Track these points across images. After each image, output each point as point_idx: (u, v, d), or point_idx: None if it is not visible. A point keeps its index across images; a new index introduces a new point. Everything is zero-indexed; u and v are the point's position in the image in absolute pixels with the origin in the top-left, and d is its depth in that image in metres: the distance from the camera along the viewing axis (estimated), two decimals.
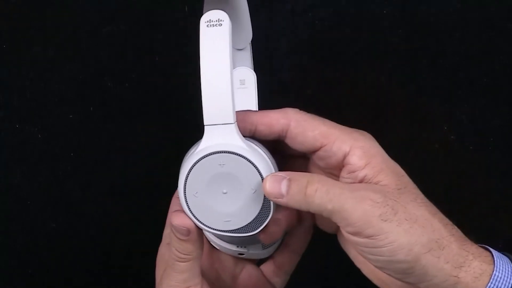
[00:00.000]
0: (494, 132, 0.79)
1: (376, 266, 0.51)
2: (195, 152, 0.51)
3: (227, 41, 0.48)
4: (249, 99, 0.62)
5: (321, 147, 0.53)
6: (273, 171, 0.52)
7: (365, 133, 0.54)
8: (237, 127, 0.50)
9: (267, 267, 0.60)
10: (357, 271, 0.58)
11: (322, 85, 0.78)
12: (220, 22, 0.49)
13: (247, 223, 0.52)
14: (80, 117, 0.78)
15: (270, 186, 0.50)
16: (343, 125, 0.55)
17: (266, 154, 0.53)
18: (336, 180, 0.52)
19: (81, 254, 0.81)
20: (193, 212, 0.52)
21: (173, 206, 0.57)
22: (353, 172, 0.52)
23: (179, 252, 0.53)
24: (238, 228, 0.52)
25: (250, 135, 0.53)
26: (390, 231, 0.48)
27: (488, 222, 0.79)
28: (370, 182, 0.51)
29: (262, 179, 0.50)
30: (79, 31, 0.77)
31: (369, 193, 0.49)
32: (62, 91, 0.78)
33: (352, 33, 0.77)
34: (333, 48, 0.77)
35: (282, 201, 0.50)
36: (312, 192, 0.49)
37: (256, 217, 0.51)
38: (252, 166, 0.50)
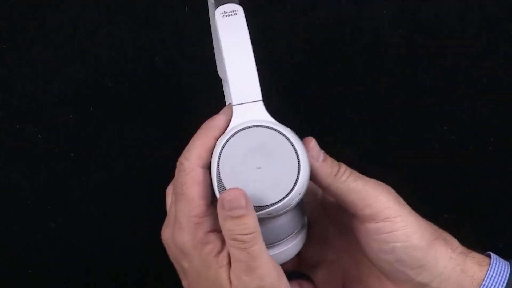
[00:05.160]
0: (494, 132, 0.79)
1: (391, 263, 0.52)
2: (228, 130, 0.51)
3: (244, 26, 0.52)
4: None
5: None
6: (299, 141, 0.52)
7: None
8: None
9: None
10: None
11: (322, 85, 0.78)
12: (235, 12, 0.53)
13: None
14: (80, 117, 0.78)
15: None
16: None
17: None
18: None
19: (81, 254, 0.81)
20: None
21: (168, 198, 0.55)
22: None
23: (242, 235, 0.48)
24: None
25: None
26: (404, 214, 0.51)
27: (488, 222, 0.79)
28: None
29: (291, 143, 0.50)
30: (79, 31, 0.77)
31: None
32: (62, 91, 0.78)
33: (352, 33, 0.77)
34: (333, 48, 0.77)
35: (317, 163, 0.51)
36: (342, 170, 0.52)
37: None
38: (284, 138, 0.51)
